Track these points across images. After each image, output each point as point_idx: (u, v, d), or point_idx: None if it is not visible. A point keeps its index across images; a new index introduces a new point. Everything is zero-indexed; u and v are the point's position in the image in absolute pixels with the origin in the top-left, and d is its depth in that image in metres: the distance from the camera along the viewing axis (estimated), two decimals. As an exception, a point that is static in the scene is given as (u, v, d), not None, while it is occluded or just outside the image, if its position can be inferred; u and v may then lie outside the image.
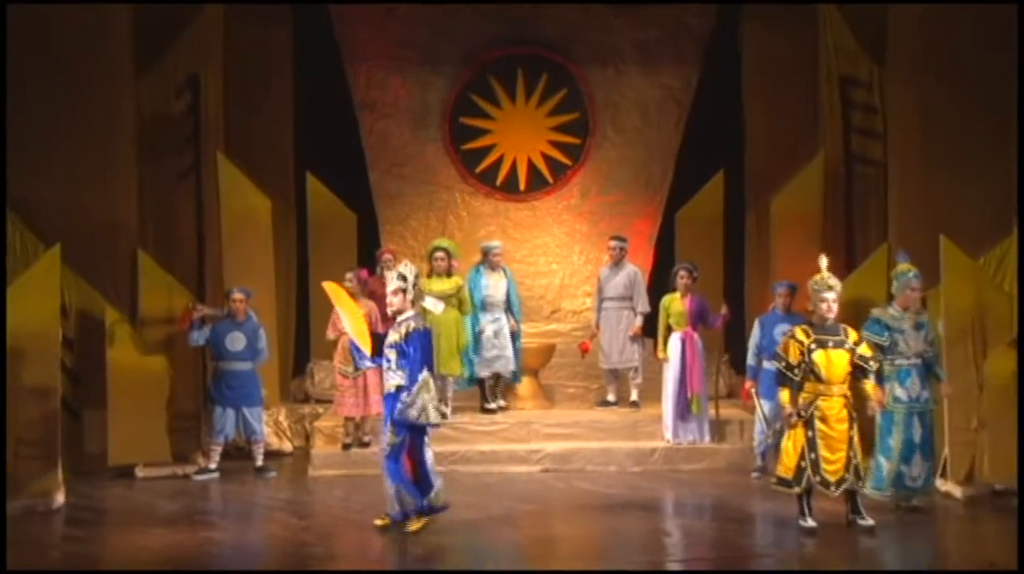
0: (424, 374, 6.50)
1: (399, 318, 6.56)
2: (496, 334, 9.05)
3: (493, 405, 9.06)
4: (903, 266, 7.22)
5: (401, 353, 6.44)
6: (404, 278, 6.57)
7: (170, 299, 8.64)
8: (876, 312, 7.22)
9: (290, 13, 10.17)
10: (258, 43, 10.01)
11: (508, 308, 9.16)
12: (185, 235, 9.54)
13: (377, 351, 6.64)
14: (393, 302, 6.57)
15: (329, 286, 6.91)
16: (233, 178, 9.35)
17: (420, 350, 6.50)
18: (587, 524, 7.19)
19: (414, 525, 6.57)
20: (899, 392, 7.11)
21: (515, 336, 9.15)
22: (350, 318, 6.74)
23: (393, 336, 6.52)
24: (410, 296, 6.59)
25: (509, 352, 9.07)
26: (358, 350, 6.72)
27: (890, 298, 7.34)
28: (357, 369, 8.30)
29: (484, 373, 9.05)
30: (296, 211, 10.25)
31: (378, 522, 6.67)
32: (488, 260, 9.20)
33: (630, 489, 7.93)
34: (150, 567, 6.19)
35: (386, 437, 6.56)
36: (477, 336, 9.03)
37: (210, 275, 9.41)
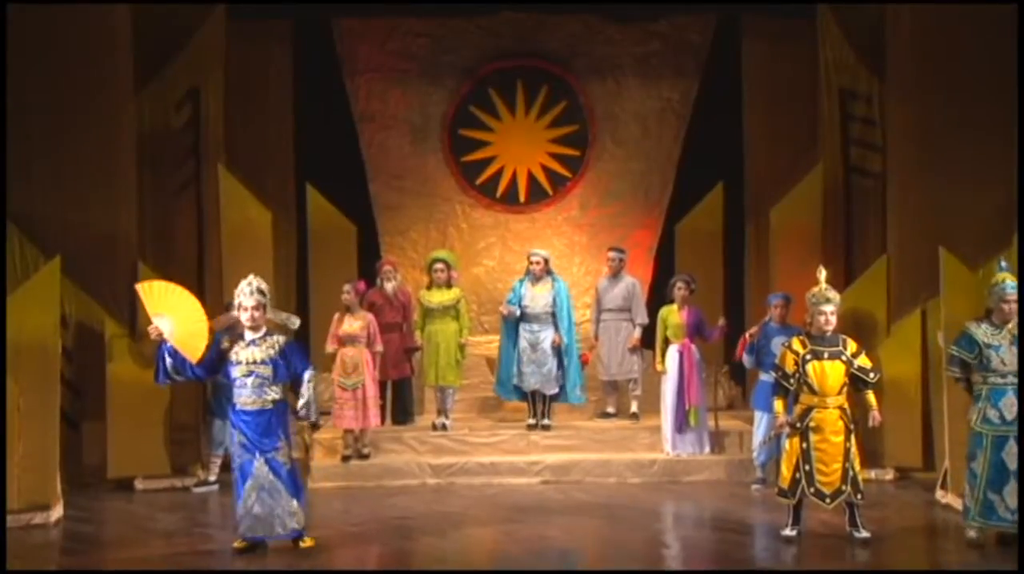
0: (311, 371, 6.53)
1: (258, 334, 6.43)
2: (533, 347, 8.82)
3: (532, 421, 8.93)
4: (999, 276, 6.55)
5: (276, 368, 6.38)
6: (264, 293, 6.44)
7: (169, 312, 8.62)
8: (968, 326, 6.57)
9: (290, 26, 10.17)
10: (258, 55, 10.01)
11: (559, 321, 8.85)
12: (185, 247, 9.51)
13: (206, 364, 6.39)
14: (255, 316, 6.41)
15: (143, 288, 6.37)
16: (233, 190, 9.34)
17: (303, 354, 6.56)
18: (585, 536, 7.15)
19: (310, 541, 6.51)
20: (990, 413, 6.42)
21: (560, 351, 8.83)
22: (175, 320, 6.32)
23: (262, 353, 6.38)
24: (268, 314, 6.47)
25: (549, 369, 8.80)
26: (163, 360, 6.37)
27: (987, 311, 6.58)
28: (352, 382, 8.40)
29: (525, 388, 8.90)
30: (296, 223, 10.23)
31: (239, 545, 6.50)
32: (528, 269, 9.04)
33: (629, 501, 7.89)
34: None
35: (281, 451, 6.41)
36: (507, 347, 8.89)
37: (210, 287, 9.36)
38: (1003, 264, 6.65)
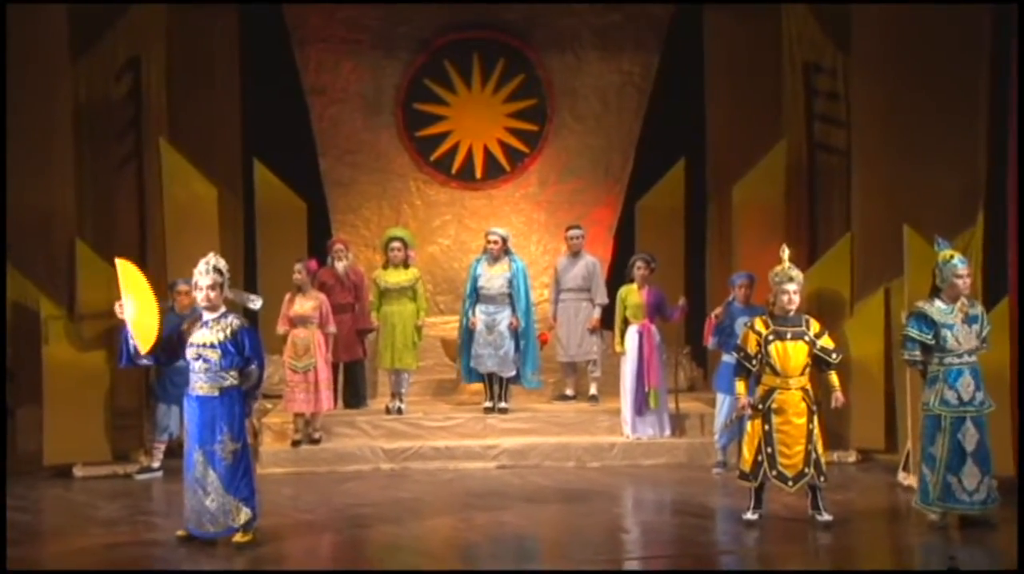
0: (256, 368, 6.25)
1: (213, 315, 6.19)
2: (489, 329, 8.62)
3: (489, 403, 8.76)
4: (945, 253, 6.50)
5: (225, 352, 6.13)
6: (221, 272, 6.22)
7: (110, 291, 8.26)
8: (921, 306, 6.51)
9: (237, -7, 9.91)
10: (203, 23, 9.69)
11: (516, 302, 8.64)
12: (126, 224, 9.23)
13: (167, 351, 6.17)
14: (211, 296, 6.17)
15: (121, 263, 6.15)
16: (177, 165, 9.03)
17: (259, 343, 6.26)
18: (543, 521, 7.03)
19: (245, 537, 6.24)
20: (948, 394, 6.42)
21: (519, 334, 8.63)
22: (136, 305, 6.07)
23: (212, 336, 6.14)
24: (226, 292, 6.25)
25: (505, 351, 8.61)
26: (127, 342, 6.13)
27: (934, 291, 6.54)
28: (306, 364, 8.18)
29: (481, 370, 8.71)
30: (243, 200, 9.96)
31: (180, 533, 6.33)
32: (485, 248, 8.81)
33: (588, 485, 7.79)
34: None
35: (222, 445, 6.14)
36: (467, 330, 8.70)
37: (153, 266, 9.07)
38: (940, 242, 6.63)
